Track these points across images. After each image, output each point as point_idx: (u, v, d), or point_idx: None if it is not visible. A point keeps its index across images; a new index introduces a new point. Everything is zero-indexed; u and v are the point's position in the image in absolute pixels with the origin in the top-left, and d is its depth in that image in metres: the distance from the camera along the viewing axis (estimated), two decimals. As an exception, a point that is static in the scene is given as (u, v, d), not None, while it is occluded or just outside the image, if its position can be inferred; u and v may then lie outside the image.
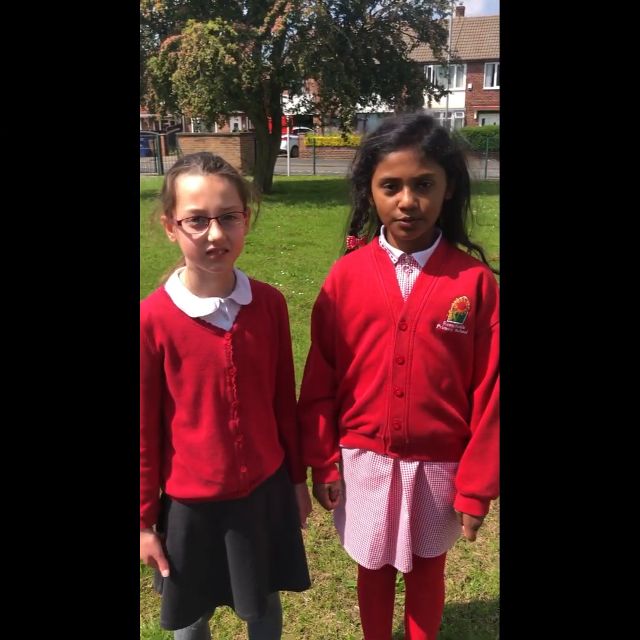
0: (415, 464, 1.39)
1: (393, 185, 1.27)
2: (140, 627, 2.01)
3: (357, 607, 2.10)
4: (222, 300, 1.30)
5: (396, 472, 1.41)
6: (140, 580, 2.21)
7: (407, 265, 1.36)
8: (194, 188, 1.20)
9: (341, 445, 1.50)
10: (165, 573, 1.35)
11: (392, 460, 1.41)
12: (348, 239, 1.49)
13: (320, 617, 2.07)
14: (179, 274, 1.34)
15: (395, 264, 1.37)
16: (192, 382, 1.28)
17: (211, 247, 1.21)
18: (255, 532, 1.38)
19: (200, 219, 1.20)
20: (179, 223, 1.22)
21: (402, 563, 1.43)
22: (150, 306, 1.30)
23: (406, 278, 1.36)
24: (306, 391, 1.51)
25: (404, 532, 1.41)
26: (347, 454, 1.49)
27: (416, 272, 1.36)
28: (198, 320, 1.28)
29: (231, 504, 1.35)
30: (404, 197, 1.26)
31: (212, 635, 1.93)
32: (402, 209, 1.27)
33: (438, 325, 1.32)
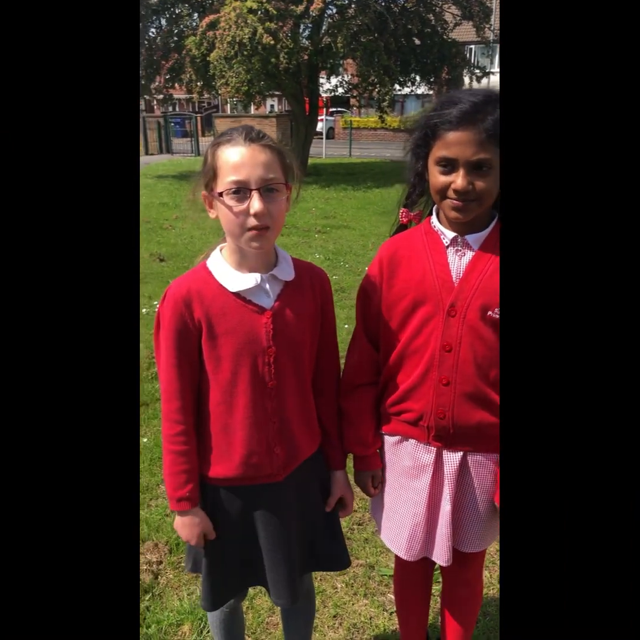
0: (459, 454, 1.35)
1: (449, 165, 1.21)
2: (175, 604, 2.02)
3: (390, 596, 2.08)
4: (264, 276, 1.27)
5: (438, 462, 1.37)
6: (174, 559, 2.23)
7: (459, 248, 1.30)
8: (235, 158, 1.17)
9: (382, 432, 1.46)
10: (212, 535, 1.34)
11: (435, 449, 1.36)
12: (401, 211, 1.43)
13: (353, 604, 2.06)
14: (220, 250, 1.32)
15: (447, 246, 1.31)
16: (229, 360, 1.26)
17: (253, 222, 1.18)
18: (289, 519, 1.36)
19: (241, 190, 1.17)
20: (220, 195, 1.19)
21: (441, 556, 1.39)
22: (189, 280, 1.28)
23: (458, 261, 1.30)
24: (349, 376, 1.47)
25: (445, 524, 1.37)
26: (388, 441, 1.46)
27: (469, 255, 1.29)
28: (238, 296, 1.25)
29: (266, 488, 1.33)
30: (459, 179, 1.20)
31: (245, 616, 1.94)
32: (455, 191, 1.21)
33: (489, 313, 1.26)
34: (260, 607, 2.03)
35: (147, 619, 1.97)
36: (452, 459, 1.35)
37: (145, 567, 2.19)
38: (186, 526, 1.33)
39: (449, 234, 1.30)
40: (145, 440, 3.04)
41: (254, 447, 1.29)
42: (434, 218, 1.35)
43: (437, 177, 1.24)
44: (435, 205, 1.35)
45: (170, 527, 2.38)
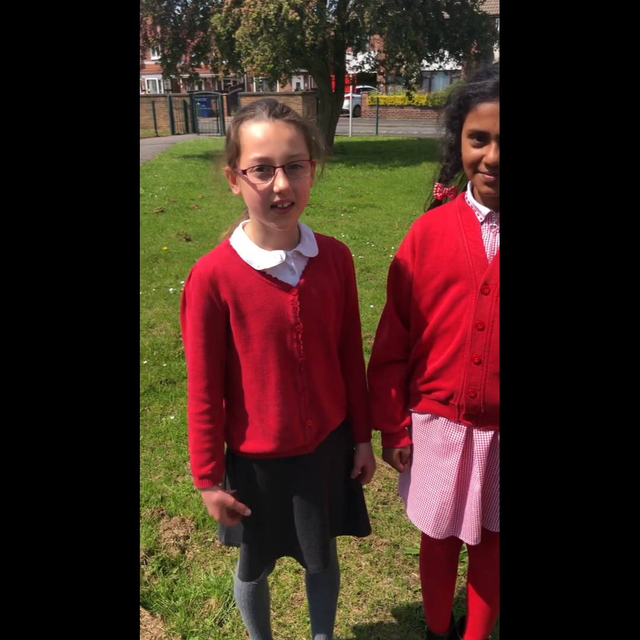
0: (490, 433, 1.33)
1: (481, 138, 1.17)
2: (202, 578, 2.06)
3: (414, 574, 2.09)
4: (289, 253, 1.26)
5: (468, 441, 1.35)
6: (200, 534, 2.27)
7: (494, 225, 1.26)
8: (258, 135, 1.14)
9: (411, 410, 1.45)
10: (247, 512, 1.36)
11: (465, 428, 1.34)
12: (436, 186, 1.40)
13: (377, 582, 2.07)
14: (243, 227, 1.30)
15: (482, 223, 1.27)
16: (259, 338, 1.26)
17: (277, 198, 1.16)
18: (322, 486, 1.39)
19: (265, 168, 1.15)
20: (244, 172, 1.17)
21: (469, 535, 1.38)
22: (214, 259, 1.27)
23: (492, 238, 1.26)
24: (379, 352, 1.46)
25: (474, 502, 1.35)
26: (417, 418, 1.45)
27: None
28: (263, 274, 1.25)
29: (299, 459, 1.35)
30: (490, 152, 1.15)
31: (270, 591, 1.96)
32: (487, 166, 1.17)
33: None
34: (286, 582, 2.05)
35: (174, 592, 2.01)
36: (482, 438, 1.33)
37: (172, 542, 2.22)
38: (209, 504, 1.36)
39: (483, 210, 1.27)
40: (172, 417, 3.08)
41: (287, 422, 1.31)
42: (468, 193, 1.31)
43: (469, 151, 1.21)
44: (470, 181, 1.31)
45: (196, 502, 2.41)
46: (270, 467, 1.36)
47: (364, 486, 1.60)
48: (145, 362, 3.69)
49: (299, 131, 1.17)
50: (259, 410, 1.31)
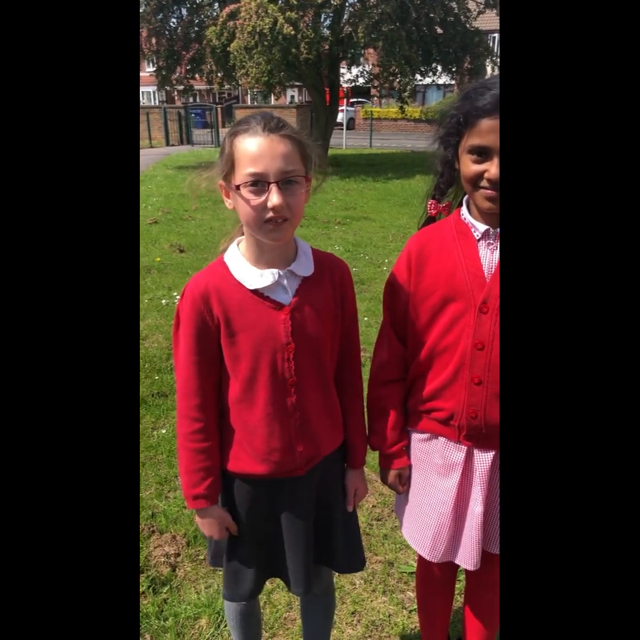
0: (491, 453, 1.30)
1: (482, 154, 1.16)
2: (193, 597, 2.01)
3: (409, 593, 2.05)
4: (281, 272, 1.24)
5: (469, 461, 1.33)
6: (192, 551, 2.23)
7: (491, 242, 1.24)
8: (253, 149, 1.13)
9: (410, 429, 1.43)
10: (234, 529, 1.34)
11: (466, 448, 1.32)
12: (429, 203, 1.38)
13: (371, 601, 2.03)
14: (238, 244, 1.29)
15: (478, 240, 1.26)
16: (248, 357, 1.24)
17: (270, 214, 1.14)
18: (308, 511, 1.35)
19: (259, 183, 1.13)
20: (237, 188, 1.15)
21: (469, 560, 1.35)
22: (207, 276, 1.26)
23: (490, 256, 1.24)
24: (378, 372, 1.43)
25: (474, 526, 1.32)
26: (416, 438, 1.42)
27: None
28: (256, 292, 1.23)
29: (288, 481, 1.32)
30: (493, 168, 1.14)
31: (262, 611, 1.92)
32: (489, 181, 1.16)
33: None
34: (278, 602, 2.01)
35: (164, 612, 1.96)
36: (483, 459, 1.31)
37: (163, 559, 2.18)
38: (205, 524, 1.33)
39: (480, 227, 1.25)
40: (163, 431, 3.04)
41: (274, 444, 1.28)
42: (464, 210, 1.30)
43: (469, 166, 1.19)
44: (466, 197, 1.30)
45: (188, 519, 2.37)
46: (258, 486, 1.33)
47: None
48: (137, 374, 3.65)
49: (294, 146, 1.16)
50: (246, 430, 1.29)
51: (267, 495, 1.34)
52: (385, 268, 5.75)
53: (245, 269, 1.24)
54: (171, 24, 14.24)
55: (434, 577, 1.59)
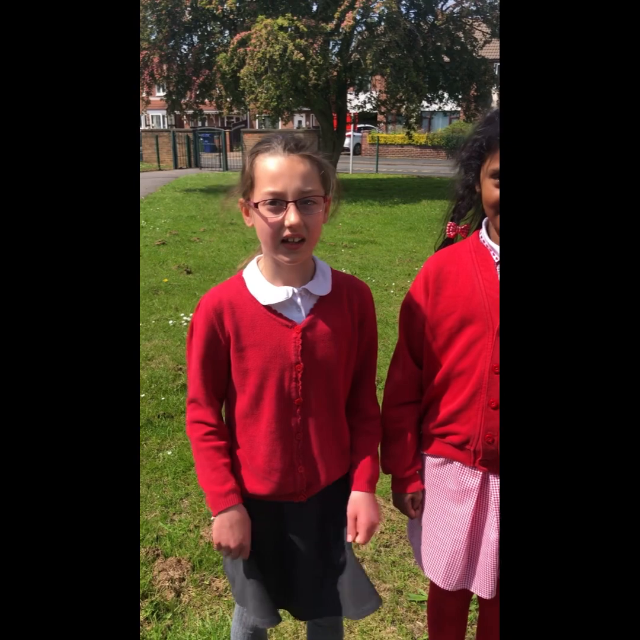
0: None
1: None
2: (197, 624, 1.97)
3: (419, 623, 2.00)
4: (296, 290, 1.23)
5: (484, 487, 1.30)
6: (197, 576, 2.18)
7: None
8: (273, 169, 1.14)
9: (424, 453, 1.40)
10: (246, 554, 1.28)
11: (481, 473, 1.29)
12: (448, 225, 1.38)
13: (380, 631, 1.98)
14: (257, 261, 1.30)
15: (497, 263, 1.25)
16: (256, 373, 1.23)
17: (287, 233, 1.15)
18: (309, 543, 1.32)
19: (277, 201, 1.14)
20: (256, 205, 1.16)
21: (484, 587, 1.32)
22: (223, 290, 1.27)
23: None
24: (392, 394, 1.41)
25: (491, 553, 1.29)
26: (430, 462, 1.39)
27: None
28: (269, 309, 1.23)
29: (289, 506, 1.30)
30: None
31: (269, 639, 1.87)
32: None
33: None
34: (285, 630, 1.96)
35: (168, 639, 1.92)
36: (499, 485, 1.28)
37: (167, 584, 2.14)
38: (230, 526, 1.24)
39: (499, 249, 1.25)
40: (169, 453, 3.01)
41: (275, 464, 1.26)
42: (483, 232, 1.30)
43: (491, 191, 1.19)
44: (485, 219, 1.30)
45: (193, 543, 2.33)
46: (263, 508, 1.30)
47: None
48: (143, 395, 3.63)
49: (313, 167, 1.17)
50: (250, 446, 1.28)
51: (272, 517, 1.31)
52: (391, 291, 5.76)
53: (261, 284, 1.24)
54: (182, 50, 14.52)
55: (447, 606, 1.55)
